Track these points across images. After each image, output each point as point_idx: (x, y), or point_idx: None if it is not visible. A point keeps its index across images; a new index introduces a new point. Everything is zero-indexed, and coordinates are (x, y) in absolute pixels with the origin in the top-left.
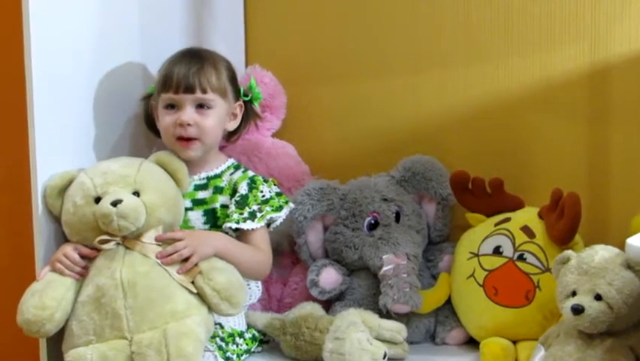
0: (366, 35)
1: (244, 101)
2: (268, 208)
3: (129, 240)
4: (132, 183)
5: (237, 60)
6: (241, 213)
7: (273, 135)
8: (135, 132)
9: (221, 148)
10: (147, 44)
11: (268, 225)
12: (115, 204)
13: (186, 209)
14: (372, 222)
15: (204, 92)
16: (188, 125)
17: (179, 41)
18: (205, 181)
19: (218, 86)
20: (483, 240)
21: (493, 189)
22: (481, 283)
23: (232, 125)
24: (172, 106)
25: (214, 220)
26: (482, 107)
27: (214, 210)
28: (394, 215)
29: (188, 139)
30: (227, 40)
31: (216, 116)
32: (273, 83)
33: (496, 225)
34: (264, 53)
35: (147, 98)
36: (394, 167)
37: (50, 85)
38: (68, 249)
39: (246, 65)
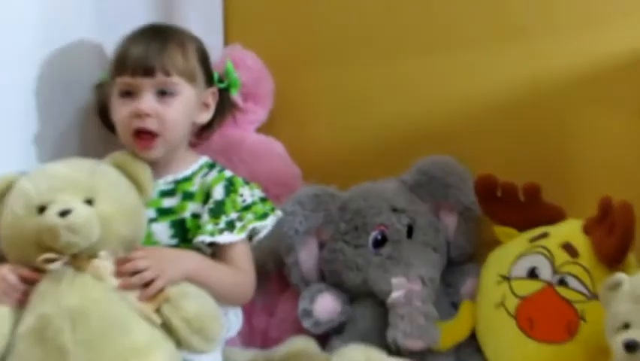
0: (371, 9)
1: (219, 89)
2: (250, 216)
3: (79, 259)
4: (84, 189)
5: (213, 38)
6: (216, 224)
7: (258, 130)
8: (88, 127)
9: (193, 146)
10: (103, 18)
11: (250, 237)
12: (63, 214)
13: (150, 220)
14: (379, 237)
15: (167, 74)
16: (147, 115)
17: (143, 15)
18: (172, 186)
19: (185, 68)
20: (515, 260)
21: (528, 196)
22: (512, 313)
23: (203, 118)
24: (128, 93)
25: (183, 233)
26: (514, 96)
27: (183, 221)
28: (406, 229)
29: (148, 135)
30: (202, 15)
31: (182, 106)
32: (257, 67)
33: (531, 241)
34: (245, 29)
35: (101, 86)
36: (406, 170)
37: None
38: (4, 271)
39: (225, 45)
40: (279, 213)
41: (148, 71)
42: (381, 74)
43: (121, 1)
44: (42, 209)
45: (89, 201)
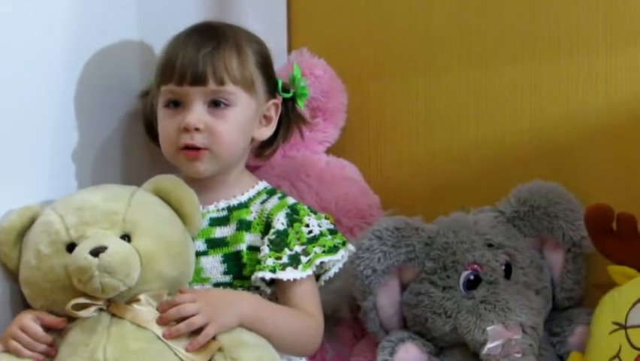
0: (463, 9)
1: (283, 100)
2: (317, 249)
3: (117, 304)
4: (120, 222)
5: (277, 42)
6: (278, 258)
7: (328, 151)
8: (131, 144)
9: (254, 169)
10: (148, 17)
11: (318, 276)
12: (96, 253)
13: (198, 253)
14: (472, 278)
15: (221, 83)
16: (196, 130)
17: (194, 13)
18: (225, 213)
19: (242, 76)
20: (633, 305)
21: None
22: None
23: (263, 133)
24: (175, 103)
25: (238, 269)
26: (631, 111)
27: (238, 254)
28: (503, 268)
29: (195, 148)
30: (262, 15)
31: (238, 119)
32: (327, 76)
33: None
34: (313, 33)
35: (147, 93)
36: (504, 198)
37: (5, 75)
38: (27, 319)
39: (289, 50)
40: (351, 247)
41: (198, 79)
42: (474, 85)
43: None
44: (71, 247)
45: (127, 237)
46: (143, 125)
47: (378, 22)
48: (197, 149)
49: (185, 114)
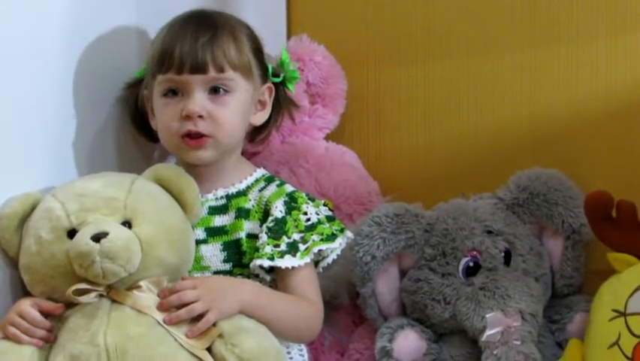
0: None
1: (274, 84)
2: (315, 237)
3: (117, 290)
4: (121, 208)
5: (276, 28)
6: (276, 246)
7: (328, 138)
8: (130, 131)
9: (253, 155)
10: (147, 3)
11: (316, 263)
12: (97, 238)
13: (198, 242)
14: (471, 264)
15: (221, 70)
16: (199, 117)
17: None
18: (224, 201)
19: (240, 62)
20: (633, 292)
21: None
22: (629, 354)
23: (259, 118)
24: (174, 92)
25: (238, 256)
26: (631, 98)
27: (238, 242)
28: (503, 255)
29: (198, 135)
30: (263, 1)
31: (238, 105)
32: (327, 62)
33: None
34: (313, 18)
35: (135, 85)
36: (503, 185)
37: (3, 63)
38: (24, 306)
39: (288, 37)
40: (349, 234)
41: (198, 68)
42: (474, 72)
43: None
44: (72, 233)
45: (127, 223)
46: (131, 116)
47: (378, 9)
48: (200, 136)
49: (186, 102)
